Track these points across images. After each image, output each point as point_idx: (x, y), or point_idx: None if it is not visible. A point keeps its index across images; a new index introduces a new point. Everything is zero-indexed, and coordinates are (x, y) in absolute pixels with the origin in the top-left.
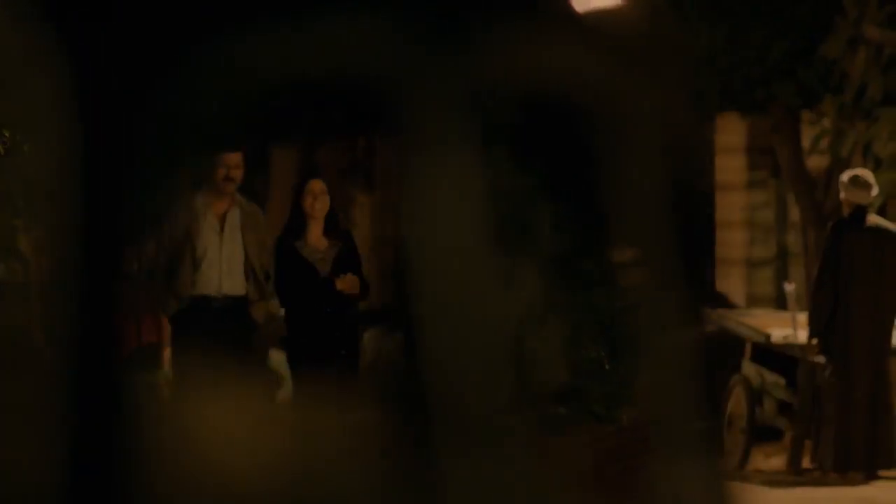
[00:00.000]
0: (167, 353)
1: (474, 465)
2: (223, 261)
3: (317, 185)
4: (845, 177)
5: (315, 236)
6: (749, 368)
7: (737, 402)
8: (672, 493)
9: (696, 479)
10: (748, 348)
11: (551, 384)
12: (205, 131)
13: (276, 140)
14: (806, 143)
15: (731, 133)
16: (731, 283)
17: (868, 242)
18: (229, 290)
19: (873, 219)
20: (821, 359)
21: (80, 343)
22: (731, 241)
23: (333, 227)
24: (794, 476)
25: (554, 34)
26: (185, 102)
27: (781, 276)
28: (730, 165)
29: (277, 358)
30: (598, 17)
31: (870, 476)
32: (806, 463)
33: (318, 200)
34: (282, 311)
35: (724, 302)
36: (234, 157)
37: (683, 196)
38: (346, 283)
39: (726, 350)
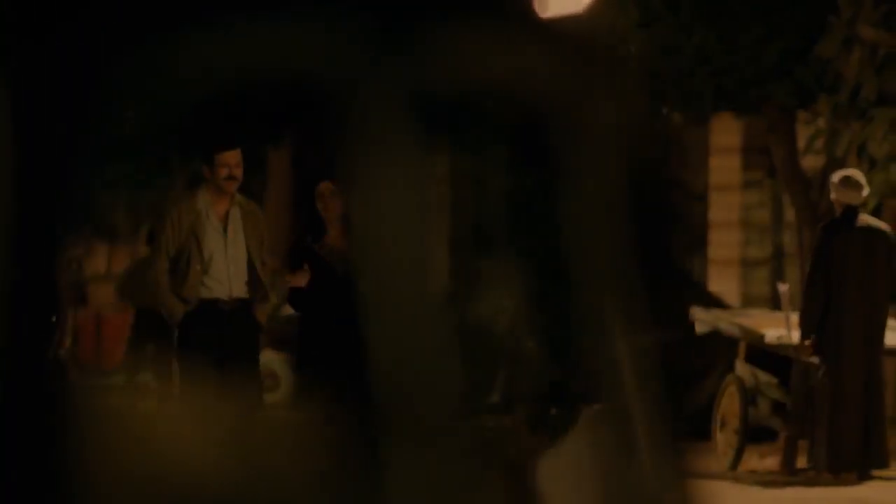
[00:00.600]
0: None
1: (421, 467)
2: (229, 262)
3: (326, 187)
4: (836, 177)
5: (333, 237)
6: (743, 369)
7: (730, 403)
8: (625, 492)
9: (652, 479)
10: (742, 349)
11: (542, 384)
12: (140, 132)
13: (220, 143)
14: (801, 143)
15: (726, 133)
16: (727, 284)
17: (859, 242)
18: (238, 292)
19: (864, 218)
20: (815, 359)
21: (9, 345)
22: (727, 242)
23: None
24: (788, 476)
25: (507, 36)
26: (117, 105)
27: (777, 276)
28: (725, 166)
29: (273, 358)
30: (555, 21)
31: (863, 476)
32: (800, 463)
33: (329, 202)
34: (281, 312)
35: (718, 302)
36: (235, 156)
37: (644, 200)
38: None
39: (718, 350)
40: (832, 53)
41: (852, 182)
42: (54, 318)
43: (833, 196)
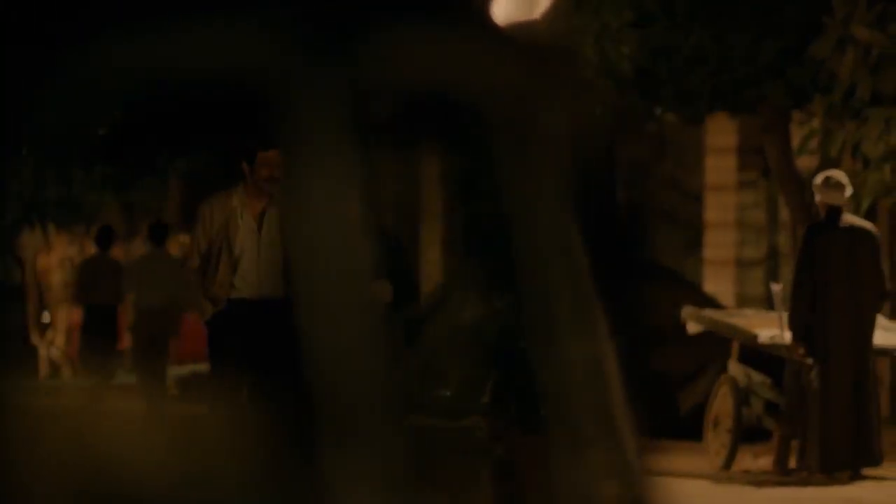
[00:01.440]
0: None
1: (353, 462)
2: (261, 263)
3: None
4: (818, 179)
5: None
6: (736, 368)
7: (723, 403)
8: (576, 490)
9: (605, 477)
10: (735, 349)
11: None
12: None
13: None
14: (796, 143)
15: (721, 133)
16: (722, 284)
17: (844, 242)
18: (269, 292)
19: (849, 219)
20: (808, 360)
21: None
22: (722, 242)
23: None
24: (781, 476)
25: (454, 38)
26: (53, 102)
27: (772, 276)
28: (720, 166)
29: None
30: (509, 25)
31: (855, 476)
32: (793, 463)
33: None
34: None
35: (712, 302)
36: (276, 155)
37: (593, 202)
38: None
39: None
40: (826, 53)
41: (834, 183)
42: (48, 318)
43: (817, 198)
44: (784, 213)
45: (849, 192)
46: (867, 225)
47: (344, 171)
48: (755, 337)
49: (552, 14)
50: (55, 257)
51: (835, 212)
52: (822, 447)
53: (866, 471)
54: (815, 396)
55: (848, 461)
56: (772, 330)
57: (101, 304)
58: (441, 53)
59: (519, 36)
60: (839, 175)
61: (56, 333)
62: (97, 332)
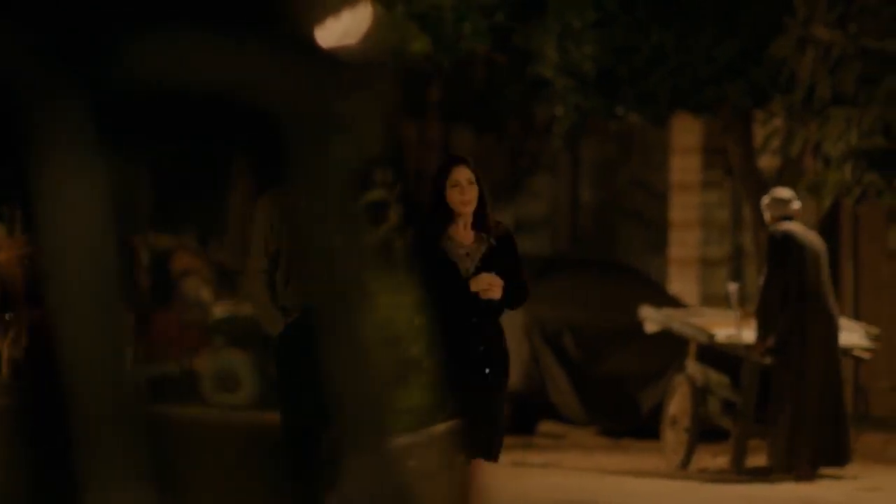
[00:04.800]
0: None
1: (101, 460)
2: None
3: (464, 174)
4: (765, 200)
5: (460, 228)
6: (694, 368)
7: (681, 402)
8: (362, 487)
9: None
10: (693, 348)
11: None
12: None
13: None
14: (758, 142)
15: (686, 133)
16: (687, 283)
17: (806, 249)
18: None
19: (799, 228)
20: (767, 359)
21: None
22: (686, 241)
23: (482, 219)
24: (738, 475)
25: (245, 44)
26: None
27: (736, 275)
28: (685, 165)
29: (235, 358)
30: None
31: (813, 475)
32: (752, 462)
33: (466, 193)
34: (242, 309)
35: (675, 301)
36: None
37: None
38: (481, 283)
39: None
40: (787, 53)
41: (778, 199)
42: (7, 317)
43: (768, 217)
44: (748, 213)
45: (797, 203)
46: (815, 234)
47: (91, 179)
48: (712, 336)
49: (369, 38)
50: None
51: (790, 224)
52: (793, 446)
53: (823, 470)
54: (784, 396)
55: (817, 460)
56: (729, 329)
57: None
58: (223, 59)
59: (338, 53)
60: (783, 190)
61: (18, 334)
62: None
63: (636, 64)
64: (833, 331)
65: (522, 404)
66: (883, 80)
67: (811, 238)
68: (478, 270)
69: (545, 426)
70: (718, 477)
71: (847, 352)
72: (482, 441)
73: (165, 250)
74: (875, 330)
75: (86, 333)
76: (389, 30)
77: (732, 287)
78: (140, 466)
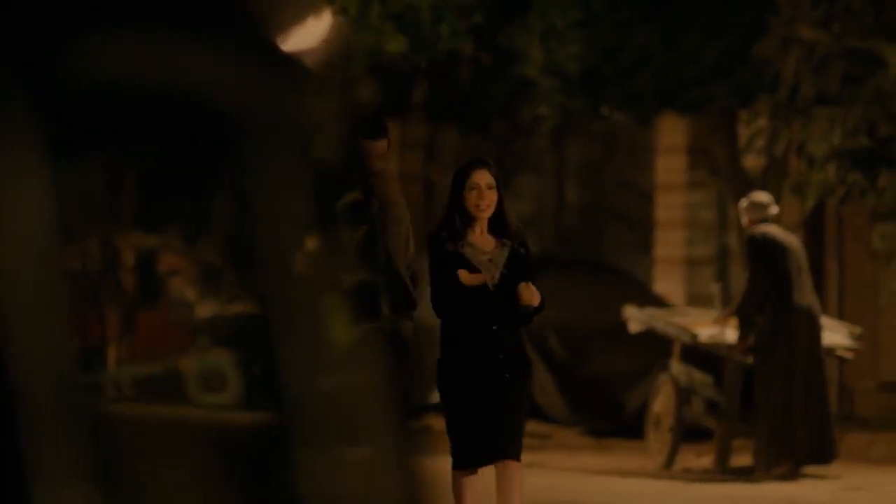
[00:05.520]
0: (113, 353)
1: (47, 457)
2: None
3: (483, 178)
4: (743, 203)
5: (477, 233)
6: (678, 367)
7: (665, 402)
8: (319, 489)
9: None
10: (676, 347)
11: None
12: None
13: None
14: (743, 142)
15: (672, 133)
16: (672, 283)
17: (788, 253)
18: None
19: (778, 230)
20: (748, 359)
21: None
22: (672, 241)
23: (502, 223)
24: (722, 475)
25: (187, 44)
26: None
27: (722, 275)
28: (670, 165)
29: (219, 357)
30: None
31: (795, 474)
32: (736, 461)
33: (484, 197)
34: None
35: (660, 301)
36: (382, 146)
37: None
38: (529, 294)
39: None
40: (771, 53)
41: (757, 203)
42: None
43: (745, 221)
44: (733, 213)
45: (774, 208)
46: (792, 235)
47: (37, 181)
48: (695, 336)
49: (330, 41)
50: None
51: (768, 227)
52: (779, 446)
53: (805, 469)
54: (770, 396)
55: (803, 460)
56: (712, 329)
57: None
58: (177, 59)
59: (299, 57)
60: (759, 195)
61: None
62: None
63: (621, 64)
64: (816, 330)
65: None
66: (867, 79)
67: (790, 239)
68: (503, 277)
69: (530, 426)
70: (702, 477)
71: (830, 352)
72: (505, 444)
73: (151, 250)
74: (858, 330)
75: (31, 335)
76: (354, 35)
77: (715, 287)
78: (88, 466)
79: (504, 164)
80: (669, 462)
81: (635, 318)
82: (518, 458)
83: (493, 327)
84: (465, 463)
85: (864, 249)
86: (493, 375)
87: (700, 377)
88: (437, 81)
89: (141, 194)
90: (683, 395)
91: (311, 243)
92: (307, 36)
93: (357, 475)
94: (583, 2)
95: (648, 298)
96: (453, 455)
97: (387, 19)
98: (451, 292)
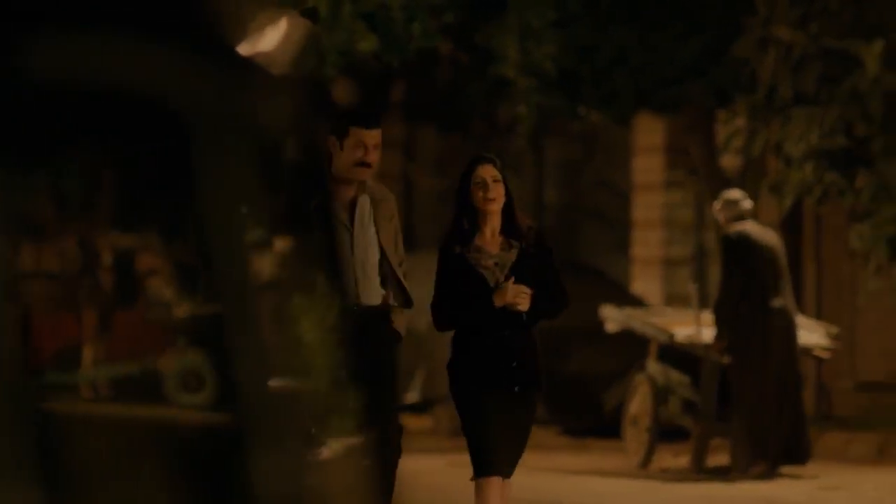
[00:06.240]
0: (89, 353)
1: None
2: (356, 265)
3: (488, 172)
4: (716, 204)
5: (487, 236)
6: (654, 367)
7: (642, 401)
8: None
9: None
10: (653, 347)
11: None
12: None
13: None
14: (720, 142)
15: (649, 133)
16: (650, 283)
17: (764, 252)
18: (367, 299)
19: (755, 227)
20: (725, 358)
21: None
22: (649, 241)
23: (512, 224)
24: (699, 474)
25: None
26: None
27: (699, 275)
28: (648, 165)
29: (199, 358)
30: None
31: (773, 474)
32: (713, 461)
33: (490, 191)
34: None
35: (638, 301)
36: (376, 135)
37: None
38: (506, 296)
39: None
40: (748, 53)
41: (730, 200)
42: None
43: (722, 219)
44: (711, 212)
45: (748, 203)
46: (772, 232)
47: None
48: (672, 336)
49: (294, 43)
50: None
51: (743, 224)
52: (753, 446)
53: (782, 469)
54: (743, 396)
55: (779, 459)
56: (689, 328)
57: None
58: (132, 58)
59: (258, 60)
60: (732, 192)
61: None
62: None
63: (598, 63)
64: (791, 329)
65: None
66: (844, 79)
67: (768, 237)
68: (505, 280)
69: None
70: (679, 476)
71: (807, 351)
72: (501, 460)
73: (129, 250)
74: (835, 329)
75: None
76: (326, 35)
77: (692, 287)
78: (33, 467)
79: None
80: (646, 462)
81: (613, 318)
82: (509, 477)
83: (506, 332)
84: (481, 471)
85: (842, 249)
86: (502, 387)
87: (677, 377)
88: (415, 81)
89: (118, 194)
90: (660, 394)
91: (279, 244)
92: (266, 38)
93: (315, 476)
94: (559, 1)
95: (626, 298)
96: (472, 462)
97: (358, 18)
98: (449, 301)
